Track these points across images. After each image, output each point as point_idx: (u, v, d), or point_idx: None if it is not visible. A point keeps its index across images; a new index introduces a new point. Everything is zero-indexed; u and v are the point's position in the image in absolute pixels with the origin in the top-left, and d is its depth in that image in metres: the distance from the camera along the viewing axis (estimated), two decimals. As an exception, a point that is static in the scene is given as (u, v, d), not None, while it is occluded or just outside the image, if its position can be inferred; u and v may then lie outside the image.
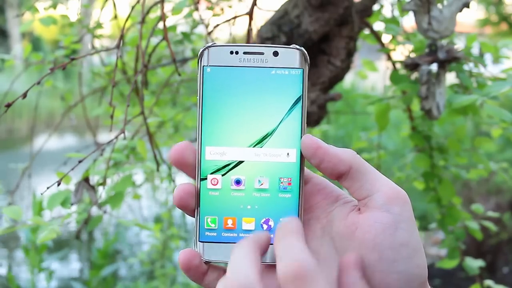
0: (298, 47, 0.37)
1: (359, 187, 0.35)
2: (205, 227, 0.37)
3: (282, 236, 0.33)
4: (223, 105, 0.37)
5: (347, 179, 0.36)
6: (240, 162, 0.37)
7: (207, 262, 0.37)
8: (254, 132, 0.37)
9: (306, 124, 0.38)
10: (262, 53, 0.37)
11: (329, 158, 0.36)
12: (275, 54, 0.37)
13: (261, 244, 0.34)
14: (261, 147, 0.37)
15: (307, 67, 0.38)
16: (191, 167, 0.37)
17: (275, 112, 0.37)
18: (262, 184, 0.37)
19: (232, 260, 0.32)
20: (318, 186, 0.39)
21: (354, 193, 0.36)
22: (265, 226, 0.37)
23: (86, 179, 0.70)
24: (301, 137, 0.37)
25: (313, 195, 0.38)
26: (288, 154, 0.37)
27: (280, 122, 0.37)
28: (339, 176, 0.36)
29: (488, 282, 0.90)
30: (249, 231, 0.37)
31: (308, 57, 0.38)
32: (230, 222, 0.37)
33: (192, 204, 0.37)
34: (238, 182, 0.37)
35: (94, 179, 0.72)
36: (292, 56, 0.37)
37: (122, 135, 0.66)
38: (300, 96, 0.37)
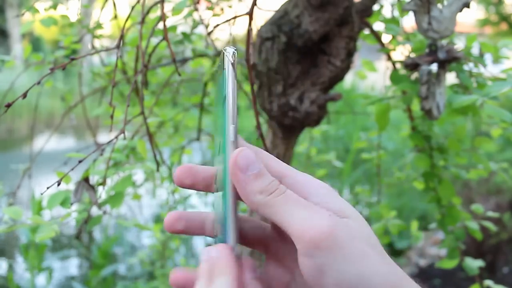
0: (226, 48, 0.37)
1: (279, 223, 0.32)
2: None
3: (214, 278, 0.32)
4: (218, 117, 0.40)
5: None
6: (216, 169, 0.39)
7: None
8: (217, 141, 0.39)
9: (232, 125, 0.35)
10: (221, 62, 0.38)
11: (241, 193, 0.33)
12: (220, 60, 0.38)
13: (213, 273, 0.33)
14: (219, 154, 0.38)
15: (230, 66, 0.36)
16: (190, 187, 0.39)
17: (222, 117, 0.37)
18: (218, 190, 0.38)
19: None
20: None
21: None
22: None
23: (86, 179, 0.70)
24: (225, 140, 0.35)
25: None
26: (222, 159, 0.36)
27: (222, 126, 0.37)
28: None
29: (488, 282, 0.90)
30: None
31: (231, 55, 0.36)
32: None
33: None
34: (216, 189, 0.39)
35: (94, 179, 0.72)
36: (222, 58, 0.37)
37: (122, 135, 0.66)
38: (225, 98, 0.36)
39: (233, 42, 0.86)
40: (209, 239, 0.39)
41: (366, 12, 0.80)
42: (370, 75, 1.16)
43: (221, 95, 0.37)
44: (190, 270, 0.38)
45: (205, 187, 0.39)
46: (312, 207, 0.32)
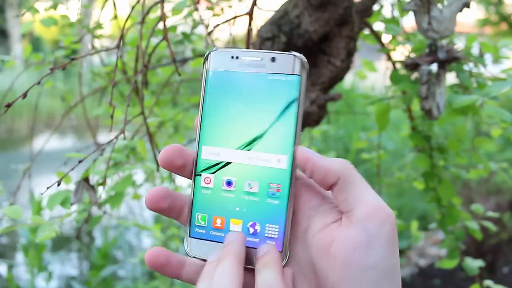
0: (296, 53, 0.38)
1: (344, 200, 0.35)
2: (196, 224, 0.38)
3: (261, 267, 0.34)
4: (221, 108, 0.38)
5: (335, 190, 0.35)
6: (229, 163, 0.38)
7: (196, 258, 0.38)
8: (245, 135, 0.38)
9: (300, 131, 0.37)
10: (260, 59, 0.38)
11: (318, 169, 0.35)
12: (273, 60, 0.38)
13: (242, 257, 0.35)
14: (249, 150, 0.37)
15: (305, 73, 0.37)
16: (178, 169, 0.38)
17: (267, 117, 0.37)
18: (251, 187, 0.37)
19: (217, 279, 0.33)
20: (303, 188, 0.38)
21: (340, 205, 0.35)
22: (251, 230, 0.37)
23: (86, 179, 0.70)
24: (294, 144, 0.37)
25: (296, 197, 0.38)
26: (279, 160, 0.37)
27: (270, 126, 0.37)
28: (329, 187, 0.36)
29: (488, 282, 0.90)
30: None
31: (307, 63, 0.38)
32: (218, 221, 0.38)
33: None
34: (229, 183, 0.38)
35: (94, 179, 0.72)
36: (289, 62, 0.37)
37: (122, 135, 0.66)
38: (294, 103, 0.37)
39: (233, 42, 0.86)
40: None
41: (366, 12, 0.80)
42: (370, 75, 1.16)
43: (282, 95, 0.37)
44: (169, 251, 0.38)
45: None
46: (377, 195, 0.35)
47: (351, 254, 0.32)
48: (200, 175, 0.38)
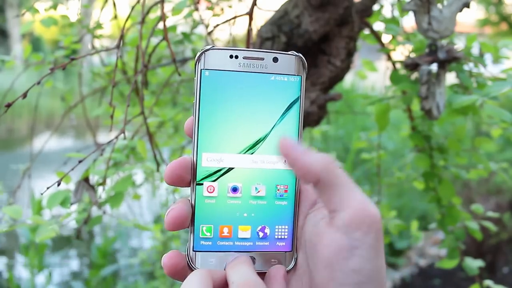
0: (296, 53, 0.37)
1: (326, 200, 0.33)
2: (200, 236, 0.36)
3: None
4: (221, 110, 0.36)
5: (317, 190, 0.34)
6: (231, 168, 0.36)
7: None
8: (247, 138, 0.36)
9: (302, 131, 0.37)
10: (262, 59, 0.37)
11: (298, 166, 0.33)
12: (275, 60, 0.37)
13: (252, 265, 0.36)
14: (252, 153, 0.36)
15: (305, 74, 0.37)
16: (188, 183, 0.37)
17: (270, 118, 0.37)
18: (259, 191, 0.37)
19: (237, 270, 0.34)
20: (300, 187, 0.38)
21: (324, 204, 0.34)
22: (261, 234, 0.37)
23: (86, 179, 0.70)
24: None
25: None
26: (285, 161, 0.36)
27: (273, 128, 0.37)
28: (313, 184, 0.34)
29: (488, 282, 0.90)
30: (245, 239, 0.37)
31: (306, 63, 0.38)
32: (226, 230, 0.37)
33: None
34: (235, 189, 0.37)
35: (94, 179, 0.72)
36: (291, 62, 0.37)
37: (122, 135, 0.66)
38: (297, 103, 0.37)
39: (233, 42, 0.86)
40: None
41: (366, 12, 0.80)
42: (370, 75, 1.16)
43: (284, 96, 0.37)
44: (181, 254, 0.37)
45: None
46: (363, 194, 0.33)
47: (334, 257, 0.32)
48: (202, 184, 0.36)
